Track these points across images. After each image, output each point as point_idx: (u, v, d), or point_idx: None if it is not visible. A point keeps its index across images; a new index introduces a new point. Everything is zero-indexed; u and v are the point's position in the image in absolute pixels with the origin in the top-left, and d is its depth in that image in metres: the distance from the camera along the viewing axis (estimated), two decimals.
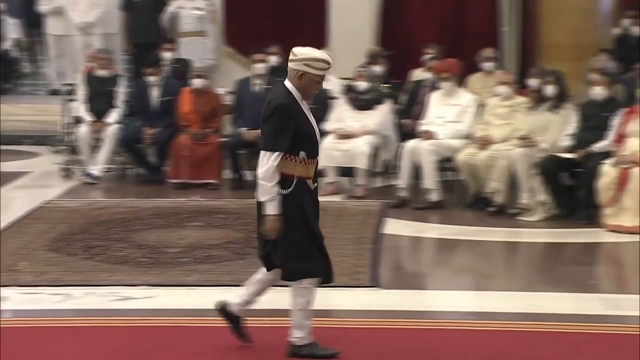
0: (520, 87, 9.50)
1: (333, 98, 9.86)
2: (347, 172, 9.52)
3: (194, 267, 6.80)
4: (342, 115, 9.59)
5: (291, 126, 4.78)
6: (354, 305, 5.94)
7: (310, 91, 4.91)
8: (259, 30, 12.24)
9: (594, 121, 8.32)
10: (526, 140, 8.48)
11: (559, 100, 8.59)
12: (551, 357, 4.89)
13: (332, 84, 10.29)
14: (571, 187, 8.41)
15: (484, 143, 8.74)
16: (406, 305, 5.92)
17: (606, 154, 8.05)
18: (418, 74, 10.42)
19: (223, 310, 5.17)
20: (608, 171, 7.86)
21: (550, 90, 8.59)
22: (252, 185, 9.87)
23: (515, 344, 5.18)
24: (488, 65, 9.98)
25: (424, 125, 9.13)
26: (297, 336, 4.95)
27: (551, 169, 8.30)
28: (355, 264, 6.84)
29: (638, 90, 8.01)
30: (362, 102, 9.56)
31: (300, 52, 4.88)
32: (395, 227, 8.04)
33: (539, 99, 8.71)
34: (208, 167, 9.90)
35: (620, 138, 8.01)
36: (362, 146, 9.27)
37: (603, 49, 10.31)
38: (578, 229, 7.95)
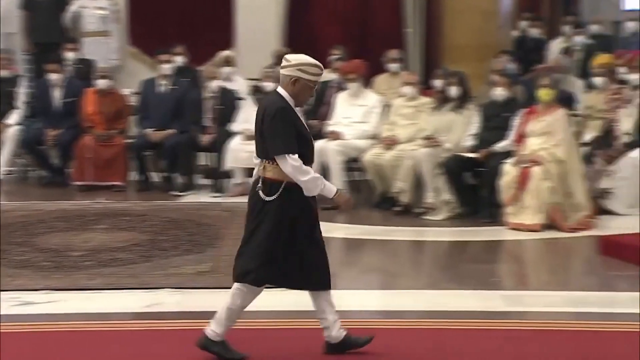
0: (425, 87, 9.65)
1: (240, 99, 9.83)
2: None
3: (99, 270, 6.69)
4: (249, 116, 9.54)
5: (293, 129, 4.74)
6: (262, 306, 5.91)
7: (304, 97, 4.87)
8: (164, 31, 12.12)
9: (496, 121, 8.50)
10: (430, 140, 8.61)
11: (462, 100, 8.75)
12: (456, 354, 4.96)
13: (239, 84, 10.28)
14: (474, 187, 8.57)
15: (390, 143, 8.85)
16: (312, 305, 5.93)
17: (507, 154, 8.23)
18: (324, 75, 10.44)
19: (339, 348, 4.99)
20: (509, 170, 8.04)
21: (453, 91, 8.74)
22: (159, 187, 9.93)
23: (422, 341, 5.24)
24: (393, 66, 10.10)
25: (331, 125, 9.19)
26: (214, 331, 4.90)
27: (455, 169, 8.44)
28: None
29: (537, 91, 8.20)
30: None
31: (294, 58, 4.86)
32: None
33: (442, 99, 8.86)
34: (113, 169, 9.77)
35: (521, 138, 8.19)
36: None
37: (503, 50, 10.54)
38: (481, 227, 8.10)
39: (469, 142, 8.55)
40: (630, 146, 8.32)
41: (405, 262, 7.48)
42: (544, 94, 8.14)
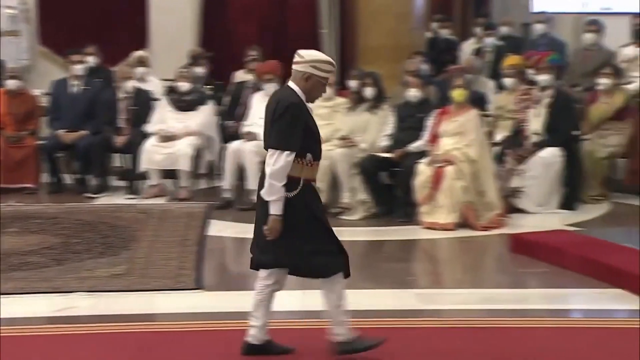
0: (340, 88, 9.70)
1: (155, 99, 9.74)
2: (170, 174, 9.43)
3: (9, 274, 6.55)
4: (164, 117, 9.48)
5: (302, 126, 4.73)
6: (178, 309, 5.89)
7: (316, 93, 4.87)
8: (75, 30, 11.93)
9: (410, 122, 8.61)
10: (346, 141, 8.66)
11: (377, 101, 8.83)
12: (370, 352, 5.00)
13: (154, 84, 10.18)
14: (389, 186, 8.65)
15: None
16: (230, 306, 5.91)
17: (421, 154, 8.34)
18: (240, 76, 10.45)
19: (347, 350, 4.96)
20: (423, 170, 8.14)
21: (368, 91, 8.82)
22: (72, 189, 9.77)
23: None
24: None
25: (247, 126, 9.17)
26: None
27: (370, 169, 8.51)
28: (179, 266, 6.78)
29: (450, 92, 8.32)
30: (184, 103, 9.49)
31: (307, 54, 4.84)
32: (219, 228, 8.03)
33: (358, 100, 8.92)
34: (24, 171, 9.58)
35: (434, 138, 8.31)
36: (184, 148, 9.21)
37: (417, 51, 10.67)
38: (396, 226, 8.18)
39: (384, 142, 8.64)
40: (539, 145, 8.51)
41: None
42: (457, 94, 8.27)
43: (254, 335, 4.92)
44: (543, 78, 8.69)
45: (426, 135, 8.41)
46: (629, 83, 9.45)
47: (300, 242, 4.79)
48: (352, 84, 9.19)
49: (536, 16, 11.45)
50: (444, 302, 6.08)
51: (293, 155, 4.70)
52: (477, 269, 7.28)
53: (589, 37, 10.09)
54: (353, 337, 4.97)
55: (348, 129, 8.80)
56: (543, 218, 8.20)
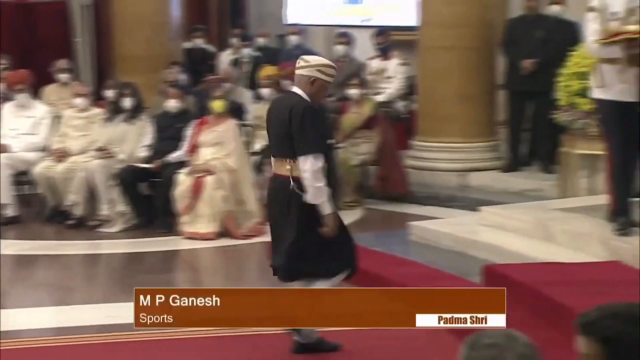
0: (97, 98, 9.52)
1: None
2: None
3: None
4: None
5: (320, 127, 4.87)
6: None
7: (321, 97, 5.01)
8: None
9: (169, 132, 8.59)
10: (104, 152, 8.52)
11: (135, 111, 8.75)
12: None
13: None
14: (149, 197, 8.59)
15: (61, 155, 8.64)
16: None
17: (181, 164, 8.34)
18: None
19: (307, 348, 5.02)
20: (183, 180, 8.15)
21: (126, 102, 8.72)
22: None
23: (96, 356, 5.19)
24: (63, 76, 9.84)
25: None
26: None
27: (129, 180, 8.42)
28: None
29: (210, 102, 8.38)
30: None
31: (312, 59, 5.02)
32: None
33: (115, 110, 8.80)
34: None
35: (194, 148, 8.34)
36: None
37: (175, 61, 10.66)
38: (157, 237, 8.13)
39: (143, 152, 8.57)
40: None
41: (79, 277, 7.35)
42: (216, 105, 8.35)
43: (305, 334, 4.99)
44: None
45: (185, 145, 8.42)
46: (378, 94, 9.93)
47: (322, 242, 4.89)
48: (109, 94, 9.05)
49: (290, 28, 11.75)
50: None
51: (321, 156, 4.81)
52: (238, 276, 7.38)
53: (339, 48, 10.48)
54: (316, 338, 5.04)
55: (105, 140, 8.66)
56: None
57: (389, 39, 10.50)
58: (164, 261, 7.63)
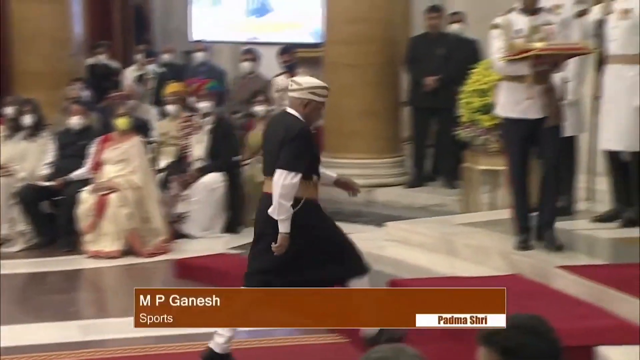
0: None
1: None
2: None
3: None
4: None
5: (310, 150, 4.97)
6: None
7: (315, 118, 5.10)
8: None
9: (72, 149, 8.45)
10: (3, 170, 8.33)
11: (36, 129, 8.60)
12: None
13: None
14: (51, 216, 8.42)
15: None
16: None
17: (84, 182, 8.21)
18: None
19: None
20: (86, 198, 8.02)
21: (27, 119, 8.56)
22: None
23: None
24: None
25: None
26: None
27: (30, 198, 8.26)
28: None
29: (114, 119, 8.27)
30: None
31: (305, 81, 5.06)
32: None
33: (15, 127, 8.63)
34: None
35: (97, 165, 8.22)
36: None
37: (77, 77, 10.49)
38: (60, 257, 7.97)
39: (45, 170, 8.41)
40: (202, 171, 8.69)
41: None
42: (121, 122, 8.25)
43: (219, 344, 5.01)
44: (203, 105, 8.88)
45: (89, 163, 8.30)
46: None
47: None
48: (9, 111, 8.85)
49: (196, 44, 11.71)
50: (108, 332, 6.01)
51: (299, 177, 4.86)
52: None
53: (245, 65, 10.49)
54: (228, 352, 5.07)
55: (5, 157, 8.47)
56: (208, 242, 8.36)
57: (294, 57, 10.55)
58: (66, 281, 7.48)
